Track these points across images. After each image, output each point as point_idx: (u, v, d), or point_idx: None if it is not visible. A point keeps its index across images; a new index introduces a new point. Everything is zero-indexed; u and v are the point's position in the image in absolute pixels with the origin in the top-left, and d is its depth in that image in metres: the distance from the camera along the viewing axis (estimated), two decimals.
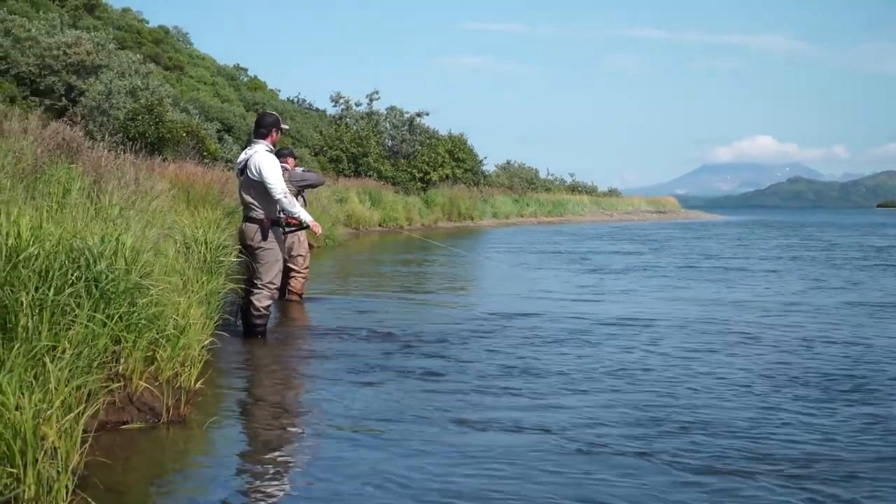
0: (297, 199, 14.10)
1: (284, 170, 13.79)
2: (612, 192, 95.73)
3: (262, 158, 10.39)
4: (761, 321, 13.28)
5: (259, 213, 10.56)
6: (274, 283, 10.79)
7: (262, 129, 10.71)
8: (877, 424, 7.33)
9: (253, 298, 10.70)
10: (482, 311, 14.00)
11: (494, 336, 11.57)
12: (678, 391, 8.52)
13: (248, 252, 10.74)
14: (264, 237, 10.59)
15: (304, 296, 14.70)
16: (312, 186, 15.14)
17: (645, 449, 6.52)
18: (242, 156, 10.78)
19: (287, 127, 11.57)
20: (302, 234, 14.15)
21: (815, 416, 7.59)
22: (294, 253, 14.12)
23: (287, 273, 13.57)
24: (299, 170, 14.71)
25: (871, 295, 16.95)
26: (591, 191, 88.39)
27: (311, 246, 15.26)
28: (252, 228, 10.63)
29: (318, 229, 11.00)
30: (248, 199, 10.64)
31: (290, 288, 14.34)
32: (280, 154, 14.36)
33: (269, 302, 10.82)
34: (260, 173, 10.35)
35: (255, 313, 10.75)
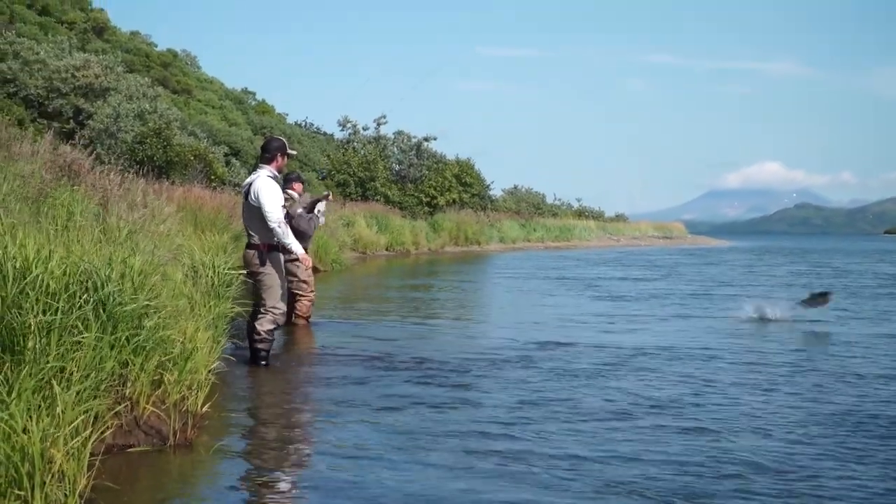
0: (313, 214, 14.15)
1: (289, 197, 13.83)
2: (619, 218, 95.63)
3: (261, 184, 10.34)
4: (798, 353, 13.04)
5: (257, 239, 10.51)
6: (277, 308, 10.67)
7: (268, 153, 10.68)
8: None
9: (255, 323, 10.62)
10: (492, 339, 13.92)
11: (506, 366, 11.32)
12: (714, 428, 8.21)
13: (251, 277, 10.73)
14: (262, 262, 10.52)
15: (310, 319, 14.68)
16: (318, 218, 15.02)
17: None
18: (248, 180, 10.73)
19: (294, 152, 11.52)
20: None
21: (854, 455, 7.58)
22: (298, 277, 14.09)
23: (292, 297, 13.55)
24: (306, 195, 14.76)
25: None
26: (597, 216, 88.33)
27: (315, 269, 15.19)
28: (251, 254, 10.58)
29: (308, 263, 10.89)
30: (248, 224, 10.64)
31: (295, 311, 14.26)
32: (287, 179, 14.36)
33: (271, 326, 10.69)
34: (258, 199, 10.30)
35: (257, 337, 10.64)
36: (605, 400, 9.31)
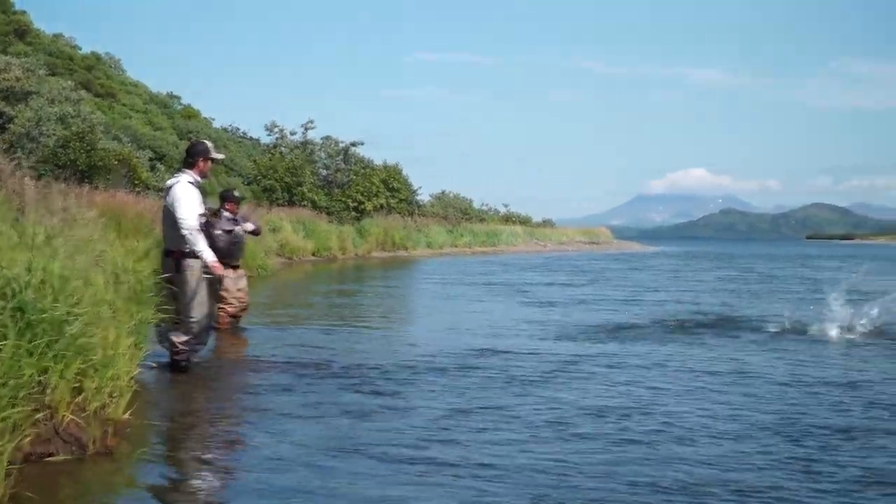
0: (232, 233, 13.92)
1: (223, 217, 13.73)
2: (546, 223, 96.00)
3: (178, 190, 10.17)
4: (736, 361, 12.78)
5: (172, 245, 10.33)
6: (193, 318, 10.39)
7: (189, 158, 10.53)
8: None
9: (170, 333, 10.43)
10: (422, 346, 13.70)
11: (436, 374, 11.10)
12: (644, 438, 8.04)
13: (168, 284, 10.44)
14: (177, 270, 10.30)
15: (238, 325, 14.58)
16: (254, 232, 15.01)
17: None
18: (168, 183, 10.58)
19: (220, 156, 11.29)
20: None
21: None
22: (226, 284, 13.90)
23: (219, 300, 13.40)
24: (241, 211, 14.73)
25: None
26: (525, 221, 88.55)
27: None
28: (167, 261, 10.41)
29: (219, 271, 10.59)
30: (165, 229, 10.47)
31: (220, 314, 14.04)
32: (223, 197, 14.27)
33: (185, 338, 10.42)
34: (173, 205, 10.14)
35: (173, 349, 10.44)
36: (537, 408, 9.18)
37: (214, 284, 10.95)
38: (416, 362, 11.93)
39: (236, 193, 14.96)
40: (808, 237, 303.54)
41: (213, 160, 10.77)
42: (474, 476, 6.72)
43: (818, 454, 7.49)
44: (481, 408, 9.12)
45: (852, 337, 15.11)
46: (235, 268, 14.37)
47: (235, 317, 14.80)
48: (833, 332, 15.33)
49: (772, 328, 16.34)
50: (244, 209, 14.83)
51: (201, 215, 10.36)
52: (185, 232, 10.07)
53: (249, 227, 14.61)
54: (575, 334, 15.34)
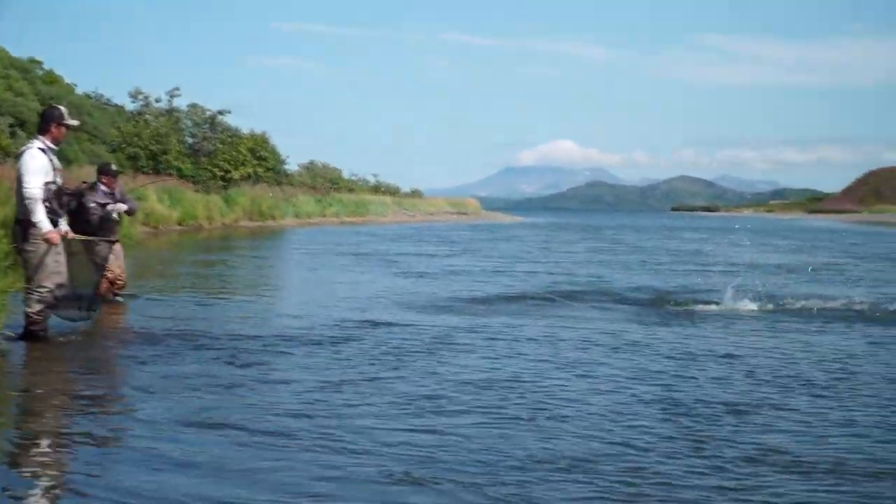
0: (106, 208, 13.74)
1: (98, 191, 13.70)
2: (415, 193, 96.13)
3: (26, 157, 10.01)
4: (614, 335, 12.51)
5: (21, 214, 10.12)
6: (44, 287, 10.12)
7: (43, 124, 10.36)
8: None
9: (24, 303, 10.22)
10: (294, 318, 13.44)
11: (309, 346, 10.87)
12: (519, 413, 7.79)
13: (18, 254, 10.27)
14: (24, 238, 10.07)
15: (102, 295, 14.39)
16: (130, 212, 14.88)
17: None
18: (22, 149, 10.40)
19: (74, 123, 11.01)
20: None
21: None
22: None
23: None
24: (118, 186, 14.54)
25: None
26: (393, 191, 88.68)
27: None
28: (15, 228, 10.23)
29: (55, 239, 10.39)
30: (17, 196, 10.27)
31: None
32: (101, 171, 14.21)
33: (39, 307, 10.15)
34: (20, 171, 9.98)
35: (27, 320, 10.20)
36: (413, 381, 8.97)
37: (84, 255, 10.83)
38: (288, 334, 11.72)
39: (113, 167, 14.83)
40: (673, 209, 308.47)
41: (67, 126, 10.56)
42: (343, 450, 6.53)
43: (706, 429, 7.32)
44: (355, 380, 8.91)
45: (730, 308, 15.22)
46: (112, 243, 14.12)
47: (114, 290, 14.48)
48: (711, 305, 15.47)
49: (646, 299, 16.46)
50: (121, 183, 14.65)
51: (48, 183, 10.11)
52: (26, 200, 9.89)
53: (123, 207, 14.39)
54: (448, 306, 15.24)
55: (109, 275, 14.21)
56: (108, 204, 13.86)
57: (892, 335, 12.56)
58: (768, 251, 34.04)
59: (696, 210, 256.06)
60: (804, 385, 9.07)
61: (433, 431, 7.09)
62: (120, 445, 6.66)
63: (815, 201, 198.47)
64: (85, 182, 14.43)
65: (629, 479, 5.93)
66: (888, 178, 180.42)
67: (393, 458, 6.34)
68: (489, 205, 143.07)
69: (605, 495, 5.64)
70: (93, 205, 13.61)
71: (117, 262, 14.39)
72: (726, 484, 5.86)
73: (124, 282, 14.74)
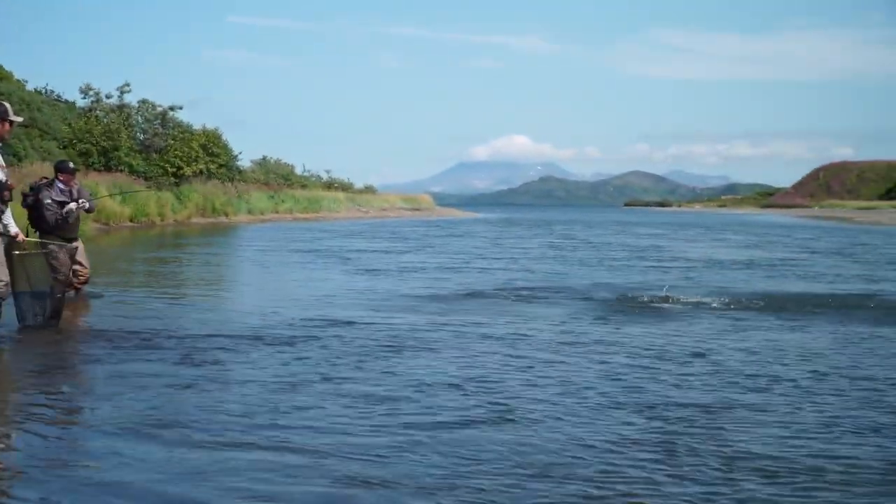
0: (66, 206, 13.71)
1: (56, 188, 13.69)
2: (368, 189, 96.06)
3: None
4: (562, 332, 12.31)
5: None
6: None
7: None
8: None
9: None
10: (248, 316, 13.18)
11: (262, 346, 10.59)
12: (482, 415, 7.52)
13: None
14: None
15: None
16: (88, 210, 14.74)
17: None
18: None
19: (19, 119, 10.94)
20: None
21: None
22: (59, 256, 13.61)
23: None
24: (76, 184, 14.47)
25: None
26: (347, 187, 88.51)
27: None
28: None
29: (21, 236, 10.35)
30: None
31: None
32: (58, 168, 14.14)
33: None
34: None
35: None
36: (372, 382, 8.72)
37: (41, 255, 10.77)
38: (243, 333, 11.44)
39: (71, 165, 14.71)
40: (626, 204, 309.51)
41: (11, 122, 10.45)
42: (296, 451, 6.41)
43: (674, 428, 7.19)
44: (311, 381, 8.72)
45: (688, 305, 15.04)
46: (71, 240, 14.10)
47: (76, 285, 14.45)
48: (670, 302, 15.27)
49: (605, 297, 16.23)
50: (78, 180, 14.63)
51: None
52: None
53: (86, 205, 14.37)
54: (406, 304, 14.95)
55: (81, 272, 14.24)
56: (65, 202, 13.79)
57: (858, 330, 12.41)
58: (723, 247, 34.27)
59: (650, 205, 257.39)
60: (770, 381, 9.05)
61: (391, 433, 6.93)
62: (65, 446, 6.60)
63: (766, 196, 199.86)
64: (45, 178, 14.46)
65: (600, 483, 5.85)
66: (837, 173, 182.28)
67: (346, 459, 6.23)
68: (442, 200, 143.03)
69: (570, 500, 5.57)
70: (48, 201, 13.54)
71: (84, 257, 14.53)
72: (699, 490, 5.81)
73: (86, 276, 14.70)
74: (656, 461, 6.37)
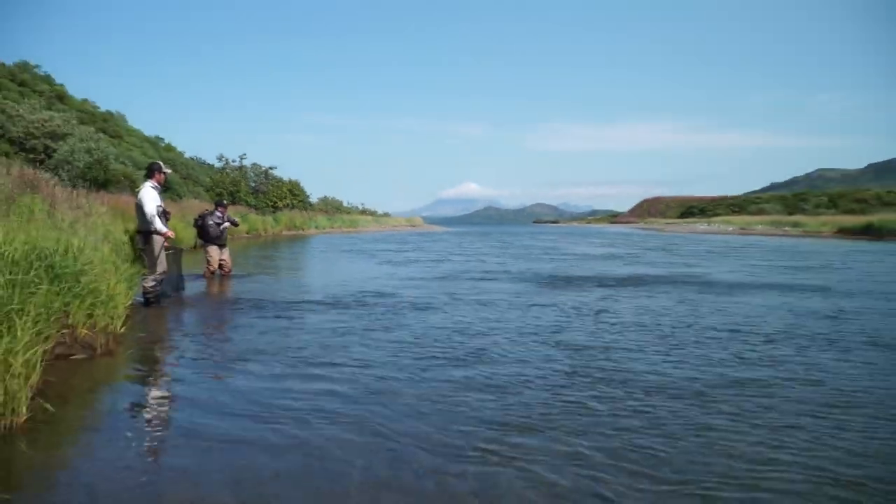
0: (222, 224, 14.20)
1: (215, 215, 14.16)
2: (385, 214, 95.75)
3: (143, 192, 9.87)
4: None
5: (141, 227, 9.95)
6: (157, 269, 9.93)
7: (149, 172, 10.17)
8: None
9: (143, 281, 9.86)
10: (316, 289, 12.97)
11: (327, 307, 10.44)
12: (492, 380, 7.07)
13: (141, 251, 10.10)
14: (145, 242, 9.95)
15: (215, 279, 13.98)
16: (234, 224, 15.02)
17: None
18: (138, 189, 10.17)
19: (168, 171, 10.72)
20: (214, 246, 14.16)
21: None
22: (212, 253, 14.05)
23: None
24: (226, 212, 14.64)
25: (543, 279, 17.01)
26: (372, 213, 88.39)
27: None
28: (138, 237, 10.04)
29: (171, 233, 10.06)
30: (138, 217, 10.03)
31: (207, 269, 14.05)
32: (216, 203, 14.66)
33: (153, 283, 9.83)
34: (141, 201, 9.82)
35: (144, 291, 9.84)
36: (392, 331, 8.18)
37: (172, 257, 10.55)
38: (313, 299, 11.18)
39: (224, 201, 15.02)
40: (534, 222, 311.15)
41: (165, 173, 10.39)
42: (327, 379, 6.44)
43: (585, 360, 6.73)
44: (357, 331, 8.47)
45: (586, 281, 14.33)
46: (222, 246, 14.37)
47: (223, 273, 14.28)
48: (576, 280, 14.41)
49: (537, 277, 15.39)
50: (228, 210, 14.68)
51: (159, 206, 9.94)
52: (149, 217, 9.76)
53: (236, 220, 15.09)
54: (412, 282, 14.10)
55: (216, 266, 14.08)
56: (221, 224, 14.28)
57: (689, 296, 12.20)
58: (592, 246, 34.19)
59: (548, 223, 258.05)
60: (640, 328, 8.95)
61: (397, 365, 6.81)
62: (205, 360, 6.50)
63: (613, 217, 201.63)
64: (207, 209, 14.83)
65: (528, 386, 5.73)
66: (654, 203, 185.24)
67: (362, 379, 6.04)
68: (428, 221, 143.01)
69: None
70: (211, 223, 14.13)
71: (228, 255, 14.50)
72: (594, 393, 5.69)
73: (230, 267, 14.52)
74: (567, 376, 6.39)
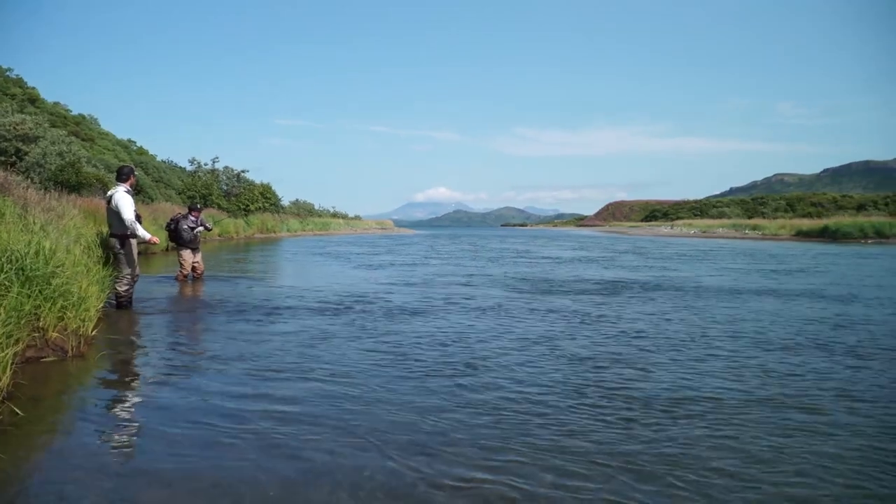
0: (196, 229, 14.14)
1: (189, 218, 14.12)
2: (356, 217, 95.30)
3: (119, 196, 9.57)
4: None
5: (117, 231, 9.68)
6: (129, 275, 9.76)
7: (122, 176, 9.84)
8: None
9: (116, 284, 9.68)
10: (292, 291, 12.90)
11: (302, 311, 10.40)
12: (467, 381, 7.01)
13: (114, 255, 9.80)
14: (121, 246, 9.70)
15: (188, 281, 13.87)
16: (207, 229, 14.68)
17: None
18: (109, 192, 9.83)
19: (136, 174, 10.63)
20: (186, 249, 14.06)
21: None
22: (185, 256, 13.97)
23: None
24: (200, 216, 14.62)
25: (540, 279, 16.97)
26: (343, 216, 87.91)
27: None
28: (112, 241, 9.75)
29: (156, 240, 9.92)
30: (110, 221, 9.76)
31: (181, 273, 13.99)
32: (190, 208, 14.49)
33: (126, 287, 9.71)
34: (117, 206, 9.53)
35: (116, 294, 9.71)
36: (369, 335, 8.08)
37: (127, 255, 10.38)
38: (284, 304, 11.06)
39: (198, 205, 14.78)
40: (503, 225, 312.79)
41: (135, 176, 10.21)
42: (310, 380, 6.38)
43: (585, 369, 6.63)
44: (335, 336, 8.41)
45: (568, 287, 13.87)
46: (195, 249, 14.26)
47: (195, 276, 14.17)
48: (557, 285, 14.02)
49: (517, 281, 14.91)
50: (202, 214, 14.46)
51: (134, 211, 9.71)
52: (127, 223, 9.52)
53: (209, 225, 14.74)
54: (384, 287, 13.77)
55: (188, 270, 13.94)
56: (195, 227, 14.24)
57: (666, 302, 12.11)
58: (562, 250, 34.28)
59: (515, 226, 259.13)
60: (632, 334, 8.82)
61: (375, 365, 6.79)
62: (175, 360, 6.38)
63: (579, 220, 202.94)
64: (180, 213, 14.81)
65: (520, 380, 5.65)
66: (619, 206, 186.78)
67: (334, 380, 5.95)
68: (398, 224, 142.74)
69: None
70: (185, 227, 14.12)
71: (201, 259, 14.41)
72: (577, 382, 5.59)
73: (202, 270, 14.41)
74: (562, 383, 6.27)
